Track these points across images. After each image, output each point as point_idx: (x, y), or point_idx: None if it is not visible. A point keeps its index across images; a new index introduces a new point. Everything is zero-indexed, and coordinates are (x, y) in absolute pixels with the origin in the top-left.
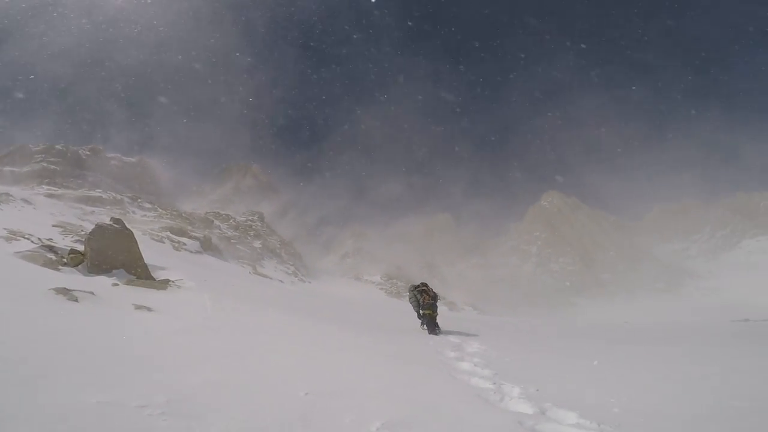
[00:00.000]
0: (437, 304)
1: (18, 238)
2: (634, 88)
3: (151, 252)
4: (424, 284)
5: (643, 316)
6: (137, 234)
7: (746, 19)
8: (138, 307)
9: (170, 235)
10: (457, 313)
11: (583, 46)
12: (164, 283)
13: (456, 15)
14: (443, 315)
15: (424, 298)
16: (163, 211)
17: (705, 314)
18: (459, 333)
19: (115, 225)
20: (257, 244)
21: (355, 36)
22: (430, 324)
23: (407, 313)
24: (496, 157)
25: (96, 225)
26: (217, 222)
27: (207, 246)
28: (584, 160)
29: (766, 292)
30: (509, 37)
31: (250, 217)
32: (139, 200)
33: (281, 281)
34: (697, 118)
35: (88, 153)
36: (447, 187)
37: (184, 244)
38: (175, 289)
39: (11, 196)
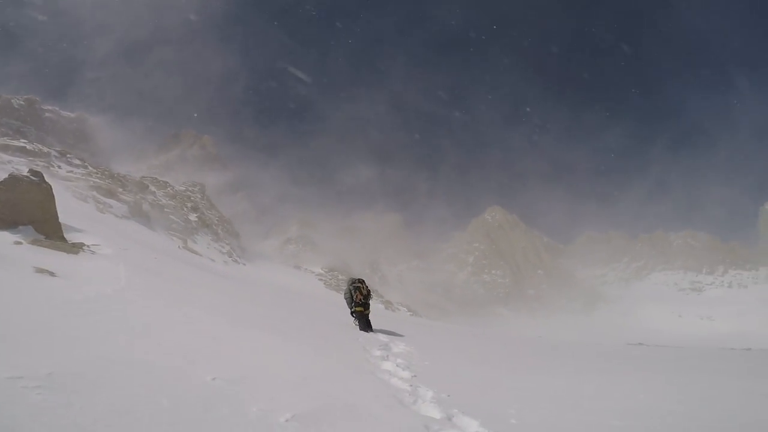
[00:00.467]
0: (370, 302)
1: None
2: (588, 120)
3: (70, 211)
4: (360, 281)
5: (559, 332)
6: (58, 190)
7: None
8: (39, 271)
9: (96, 195)
10: (392, 312)
11: (541, 78)
12: (76, 247)
13: (429, 18)
14: (378, 313)
15: (357, 296)
16: (94, 170)
17: (609, 335)
18: (389, 333)
19: (33, 177)
20: (193, 216)
21: (336, 23)
22: (362, 321)
23: (344, 308)
24: (453, 166)
25: (9, 174)
26: (152, 188)
27: (136, 212)
28: (530, 182)
29: (664, 319)
30: (485, 50)
31: (190, 188)
32: (69, 156)
33: (212, 260)
34: (637, 157)
35: (22, 103)
36: (401, 188)
37: (111, 206)
38: (87, 255)
39: None
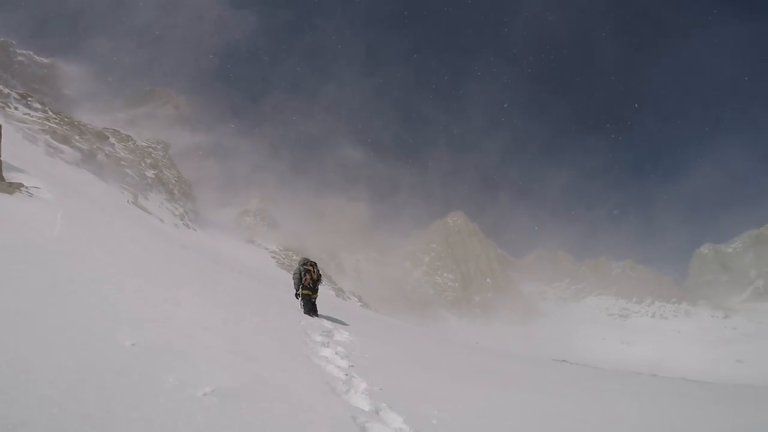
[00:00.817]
0: (319, 287)
1: None
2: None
3: (14, 150)
4: (313, 263)
5: (496, 339)
6: (9, 130)
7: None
8: None
9: (49, 139)
10: (343, 301)
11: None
12: (12, 187)
13: (412, 14)
14: (328, 300)
15: (306, 279)
16: (53, 115)
17: (540, 348)
18: (335, 320)
19: None
20: (150, 173)
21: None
22: (308, 305)
23: (292, 289)
24: (429, 166)
25: None
26: (112, 140)
27: (89, 161)
28: (497, 194)
29: (590, 340)
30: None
31: (153, 144)
32: (30, 99)
33: (161, 220)
34: (598, 188)
35: None
36: (372, 178)
37: (62, 152)
38: (23, 197)
39: None
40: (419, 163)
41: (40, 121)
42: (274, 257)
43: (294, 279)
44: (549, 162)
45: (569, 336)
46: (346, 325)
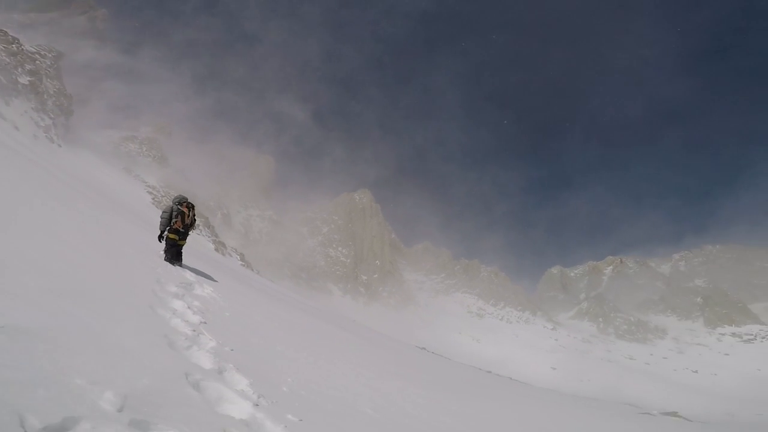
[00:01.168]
0: (191, 233)
1: None
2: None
3: None
4: (189, 205)
5: (373, 319)
6: None
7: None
8: None
9: None
10: (221, 256)
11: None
12: None
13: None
14: (204, 252)
15: (177, 222)
16: None
17: (407, 334)
18: (202, 274)
19: None
20: (25, 79)
21: None
22: (171, 251)
23: (156, 229)
24: (352, 138)
25: None
26: None
27: None
28: (404, 181)
29: (449, 333)
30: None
31: (43, 51)
32: None
33: (17, 128)
34: (496, 194)
35: None
36: (294, 137)
37: None
38: None
39: None
40: (347, 136)
41: None
42: (150, 193)
43: (162, 218)
44: (461, 166)
45: (433, 326)
46: (214, 281)
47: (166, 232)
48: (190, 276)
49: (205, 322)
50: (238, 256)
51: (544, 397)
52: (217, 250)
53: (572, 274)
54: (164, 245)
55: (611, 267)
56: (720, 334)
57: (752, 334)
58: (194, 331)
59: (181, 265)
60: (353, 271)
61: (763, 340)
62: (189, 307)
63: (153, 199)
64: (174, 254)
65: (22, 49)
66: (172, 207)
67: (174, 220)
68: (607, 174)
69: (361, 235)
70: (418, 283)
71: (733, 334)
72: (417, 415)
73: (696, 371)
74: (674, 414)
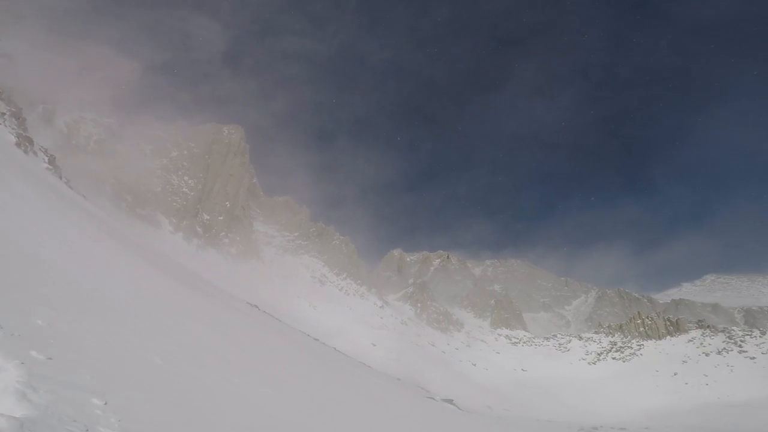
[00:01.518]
0: None
1: None
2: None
3: None
4: None
5: (203, 265)
6: None
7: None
8: None
9: None
10: (23, 154)
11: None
12: None
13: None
14: None
15: None
16: None
17: (241, 289)
18: None
19: None
20: None
21: None
22: None
23: None
24: (256, 73)
25: None
26: None
27: None
28: (287, 131)
29: (287, 296)
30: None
31: None
32: None
33: None
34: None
35: None
36: (189, 42)
37: None
38: None
39: None
40: (238, 71)
41: None
42: None
43: None
44: (344, 132)
45: (272, 285)
46: None
47: None
48: None
49: None
50: (47, 158)
51: (359, 372)
52: (19, 145)
53: (408, 259)
54: None
55: (439, 260)
56: (498, 334)
57: (518, 339)
58: None
59: None
60: (194, 207)
61: (524, 345)
62: None
63: None
64: None
65: None
66: None
67: None
68: (467, 175)
69: (218, 170)
70: (269, 236)
71: (507, 336)
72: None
73: (475, 364)
74: (450, 401)
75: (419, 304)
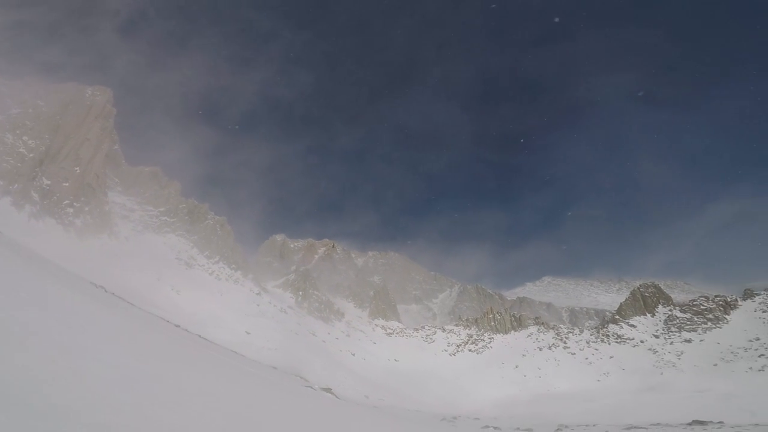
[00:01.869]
0: None
1: None
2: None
3: None
4: None
5: (34, 238)
6: None
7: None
8: None
9: None
10: None
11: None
12: None
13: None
14: None
15: None
16: None
17: (83, 267)
18: None
19: None
20: None
21: None
22: None
23: None
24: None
25: None
26: None
27: None
28: (165, 93)
29: (147, 277)
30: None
31: None
32: None
33: None
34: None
35: None
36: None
37: None
38: None
39: None
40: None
41: None
42: None
43: None
44: (231, 100)
45: (126, 264)
46: None
47: None
48: None
49: None
50: None
51: (230, 363)
52: None
53: (292, 246)
54: None
55: (325, 248)
56: (375, 325)
57: (393, 330)
58: None
59: None
60: (32, 171)
61: (397, 336)
62: None
63: None
64: None
65: None
66: None
67: None
68: (363, 165)
69: (70, 132)
70: (127, 210)
71: (383, 327)
72: None
73: (354, 354)
74: (329, 390)
75: (301, 293)
